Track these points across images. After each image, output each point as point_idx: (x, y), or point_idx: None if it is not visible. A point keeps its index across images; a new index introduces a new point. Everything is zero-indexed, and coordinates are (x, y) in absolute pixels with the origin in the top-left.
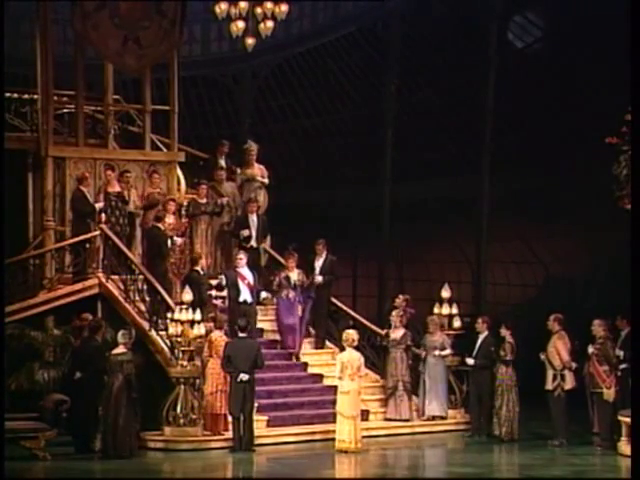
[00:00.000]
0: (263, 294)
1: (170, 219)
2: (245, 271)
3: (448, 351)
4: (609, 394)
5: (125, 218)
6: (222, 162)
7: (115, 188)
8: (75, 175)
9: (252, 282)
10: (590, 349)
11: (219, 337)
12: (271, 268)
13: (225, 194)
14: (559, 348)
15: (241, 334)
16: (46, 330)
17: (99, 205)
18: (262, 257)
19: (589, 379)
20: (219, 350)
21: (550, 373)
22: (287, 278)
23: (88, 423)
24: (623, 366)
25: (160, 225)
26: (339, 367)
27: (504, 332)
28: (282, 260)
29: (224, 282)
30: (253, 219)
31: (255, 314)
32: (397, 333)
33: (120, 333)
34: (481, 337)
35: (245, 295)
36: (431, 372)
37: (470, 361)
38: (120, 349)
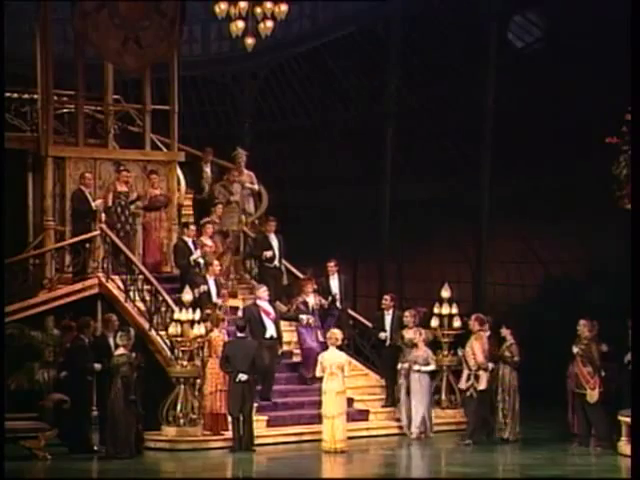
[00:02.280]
0: (303, 317)
1: (208, 242)
2: (267, 305)
3: (432, 367)
4: (592, 395)
5: (133, 217)
6: (207, 170)
7: (124, 188)
8: (76, 174)
9: (275, 315)
10: (575, 349)
11: (217, 336)
12: (292, 286)
13: (235, 193)
14: (475, 349)
15: (240, 334)
16: (46, 330)
17: (96, 204)
18: (284, 276)
19: (572, 380)
20: (218, 350)
21: (465, 373)
22: (305, 303)
23: (77, 422)
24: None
25: (185, 237)
26: (319, 367)
27: (504, 332)
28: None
29: (244, 318)
30: (273, 238)
31: (280, 349)
32: (411, 333)
33: (118, 335)
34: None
35: (271, 331)
36: (415, 389)
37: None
38: (119, 351)
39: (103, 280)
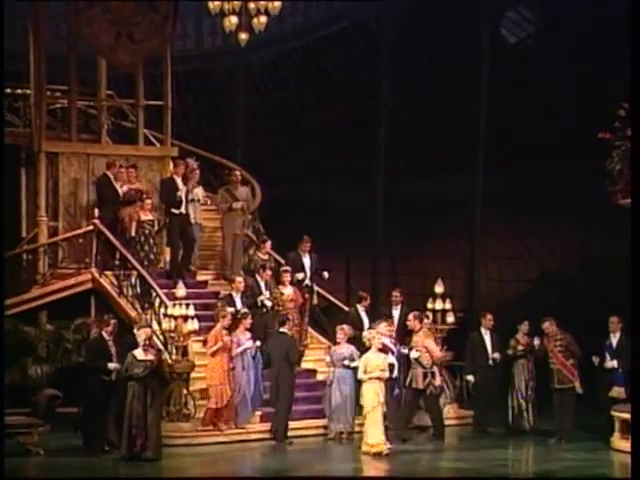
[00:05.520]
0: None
1: (287, 291)
2: (389, 342)
3: (356, 363)
4: (578, 387)
5: (157, 246)
6: (179, 182)
7: (148, 216)
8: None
9: (397, 353)
10: (537, 342)
11: (218, 331)
12: (320, 306)
13: (240, 198)
14: (429, 346)
15: (281, 329)
16: (39, 325)
17: (124, 189)
18: (314, 297)
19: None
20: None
21: (420, 372)
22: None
23: (81, 421)
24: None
25: (258, 278)
26: (361, 368)
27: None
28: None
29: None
30: (306, 259)
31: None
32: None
33: (139, 332)
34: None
35: (395, 370)
36: (340, 386)
37: (496, 355)
38: (141, 355)
39: (96, 275)
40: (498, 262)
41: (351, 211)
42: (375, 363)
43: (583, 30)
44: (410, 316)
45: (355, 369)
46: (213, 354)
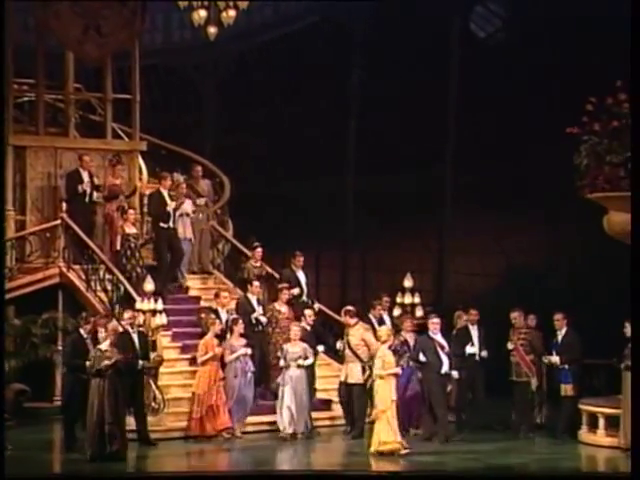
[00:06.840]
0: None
1: (282, 308)
2: (441, 338)
3: (310, 360)
4: (534, 383)
5: (143, 260)
6: (166, 196)
7: (132, 229)
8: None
9: (449, 350)
10: (510, 344)
11: (209, 340)
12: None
13: (202, 193)
14: (367, 340)
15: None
16: (7, 320)
17: (83, 187)
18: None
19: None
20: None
21: (358, 366)
22: (407, 343)
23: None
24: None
25: (249, 295)
26: (379, 364)
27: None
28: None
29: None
30: (300, 274)
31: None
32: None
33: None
34: (474, 329)
35: (446, 367)
36: (295, 385)
37: (484, 353)
38: (107, 350)
39: (64, 270)
40: (467, 257)
41: (321, 205)
42: (390, 359)
43: (551, 22)
44: (342, 312)
45: (307, 367)
46: (203, 363)
